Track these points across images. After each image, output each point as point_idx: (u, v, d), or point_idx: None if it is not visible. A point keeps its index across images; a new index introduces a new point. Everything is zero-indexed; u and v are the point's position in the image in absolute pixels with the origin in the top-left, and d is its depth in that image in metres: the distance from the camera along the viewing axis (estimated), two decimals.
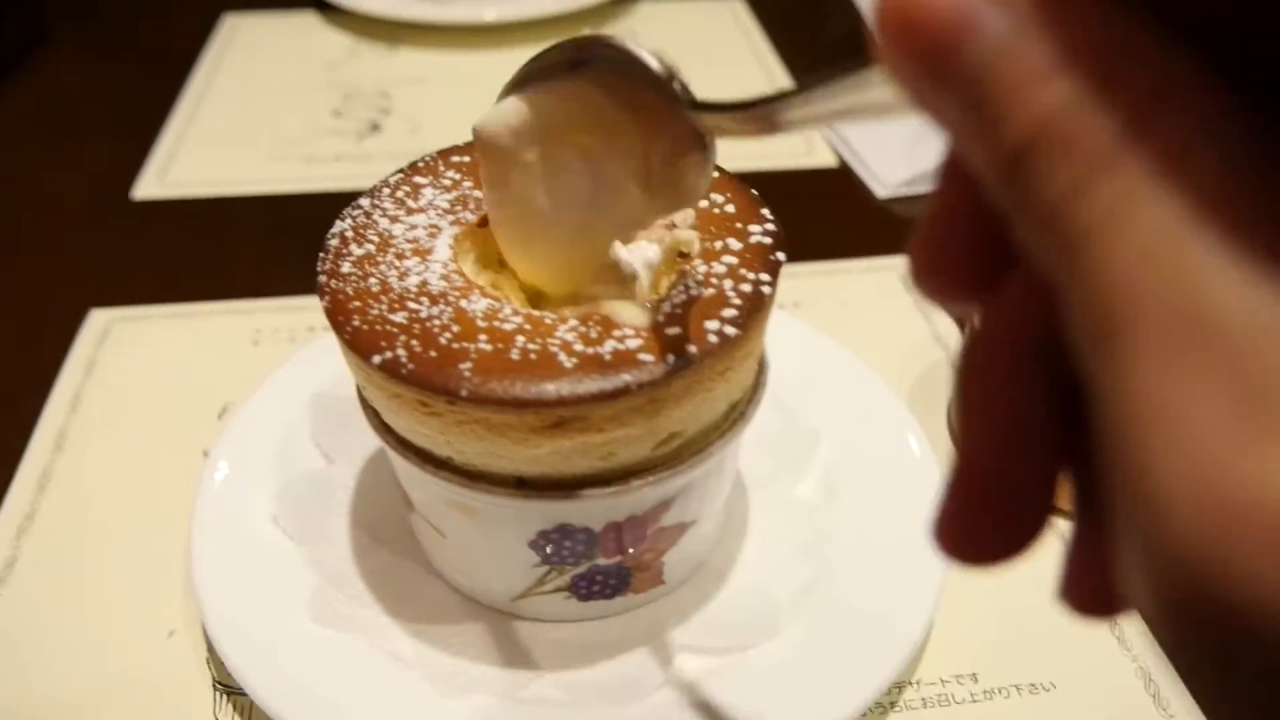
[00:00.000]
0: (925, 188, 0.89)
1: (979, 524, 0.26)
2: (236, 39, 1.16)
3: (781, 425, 0.61)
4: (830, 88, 0.26)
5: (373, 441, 0.61)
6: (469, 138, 0.46)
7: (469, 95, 1.04)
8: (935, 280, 0.26)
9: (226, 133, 1.00)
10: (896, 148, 0.92)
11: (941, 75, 0.20)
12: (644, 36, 1.13)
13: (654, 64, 0.38)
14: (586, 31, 0.42)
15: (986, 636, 0.55)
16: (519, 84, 0.44)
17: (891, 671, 0.49)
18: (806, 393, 0.62)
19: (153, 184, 0.91)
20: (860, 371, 0.65)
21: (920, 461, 0.59)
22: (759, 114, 0.32)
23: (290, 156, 0.95)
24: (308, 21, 1.20)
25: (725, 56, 1.13)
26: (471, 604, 0.55)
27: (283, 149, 0.97)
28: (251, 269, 0.81)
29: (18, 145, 0.99)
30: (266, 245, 0.85)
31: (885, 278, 0.80)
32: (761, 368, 0.51)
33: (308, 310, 0.76)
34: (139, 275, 0.81)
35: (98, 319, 0.76)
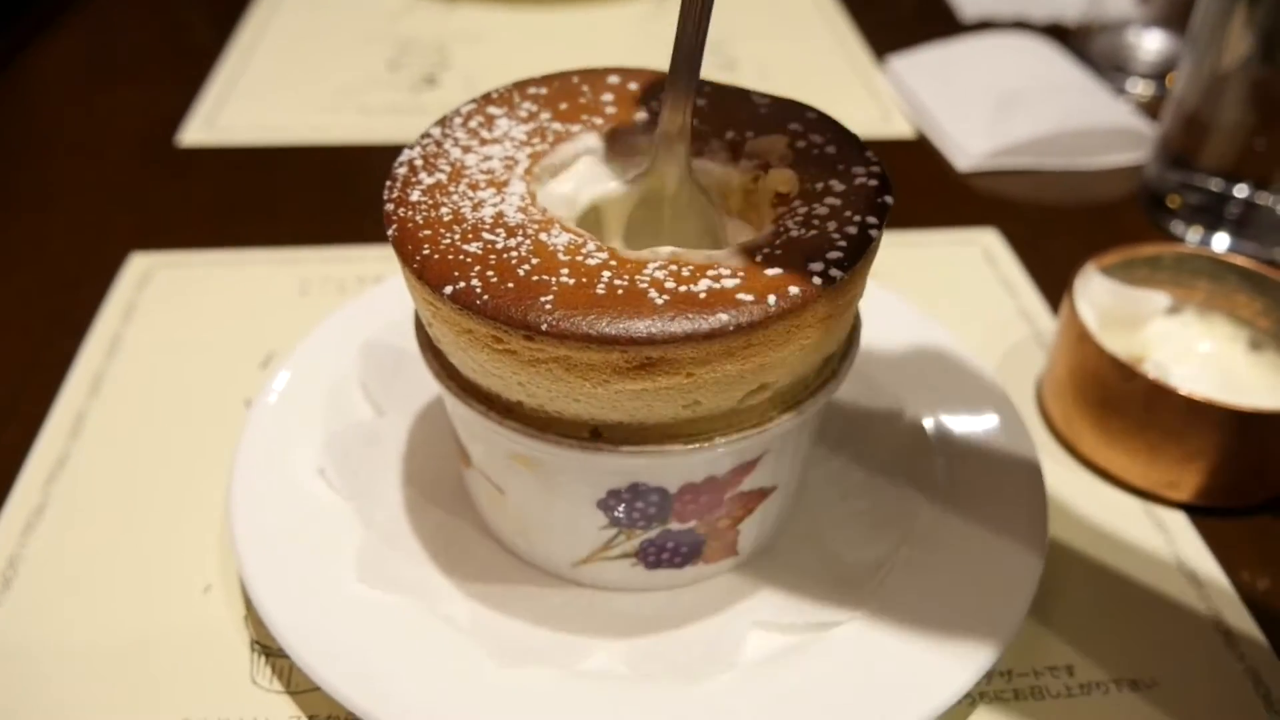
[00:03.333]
0: (1009, 160, 0.85)
1: None
2: None
3: (863, 394, 0.57)
4: None
5: (426, 393, 0.58)
6: None
7: (527, 54, 1.02)
8: None
9: (278, 81, 0.96)
10: (980, 118, 0.88)
11: None
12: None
13: None
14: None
15: (1084, 627, 0.51)
16: None
17: (983, 660, 0.45)
18: (888, 361, 0.58)
19: (200, 129, 0.88)
20: (946, 343, 0.61)
21: (1011, 439, 0.55)
22: None
23: (343, 107, 0.92)
24: None
25: (799, 23, 1.09)
26: (528, 568, 0.51)
27: (335, 99, 0.93)
28: (300, 218, 0.78)
29: (63, 86, 0.97)
30: (316, 195, 0.81)
31: (967, 252, 0.76)
32: (856, 324, 0.47)
33: (358, 261, 0.73)
34: (183, 221, 0.78)
35: (139, 263, 0.72)
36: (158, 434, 0.60)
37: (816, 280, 0.39)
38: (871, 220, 0.41)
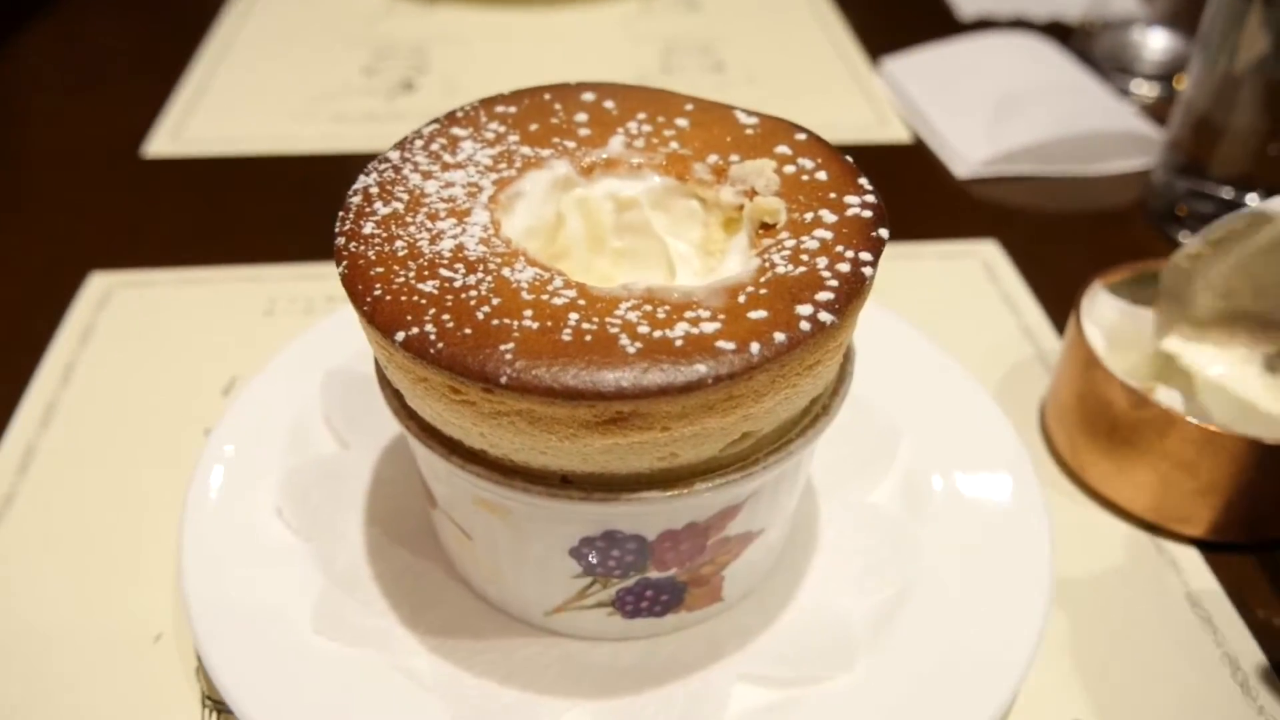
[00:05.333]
0: (1009, 167, 0.82)
1: None
2: None
3: (856, 422, 0.54)
4: None
5: (393, 426, 0.54)
6: None
7: (509, 56, 0.98)
8: None
9: (249, 88, 0.93)
10: (979, 123, 0.84)
11: None
12: (703, 5, 1.05)
13: None
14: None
15: (1091, 669, 0.48)
16: None
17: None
18: (884, 387, 0.55)
19: (166, 141, 0.85)
20: (945, 365, 0.58)
21: (1014, 469, 0.52)
22: None
23: (317, 115, 0.89)
24: None
25: (790, 23, 1.05)
26: (500, 616, 0.48)
27: (309, 107, 0.90)
28: (268, 233, 0.75)
29: (27, 96, 0.93)
30: (287, 208, 0.78)
31: (966, 265, 0.73)
32: (848, 359, 0.44)
33: (327, 279, 0.70)
34: (145, 238, 0.75)
35: (98, 283, 0.69)
36: (112, 468, 0.57)
37: (804, 325, 0.35)
38: (865, 256, 0.38)
